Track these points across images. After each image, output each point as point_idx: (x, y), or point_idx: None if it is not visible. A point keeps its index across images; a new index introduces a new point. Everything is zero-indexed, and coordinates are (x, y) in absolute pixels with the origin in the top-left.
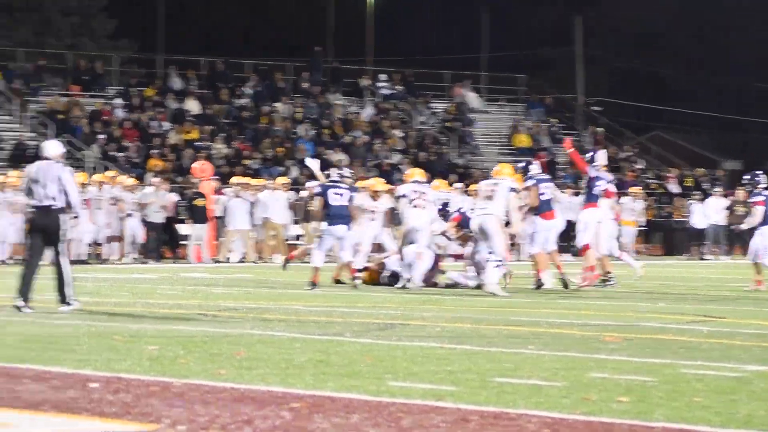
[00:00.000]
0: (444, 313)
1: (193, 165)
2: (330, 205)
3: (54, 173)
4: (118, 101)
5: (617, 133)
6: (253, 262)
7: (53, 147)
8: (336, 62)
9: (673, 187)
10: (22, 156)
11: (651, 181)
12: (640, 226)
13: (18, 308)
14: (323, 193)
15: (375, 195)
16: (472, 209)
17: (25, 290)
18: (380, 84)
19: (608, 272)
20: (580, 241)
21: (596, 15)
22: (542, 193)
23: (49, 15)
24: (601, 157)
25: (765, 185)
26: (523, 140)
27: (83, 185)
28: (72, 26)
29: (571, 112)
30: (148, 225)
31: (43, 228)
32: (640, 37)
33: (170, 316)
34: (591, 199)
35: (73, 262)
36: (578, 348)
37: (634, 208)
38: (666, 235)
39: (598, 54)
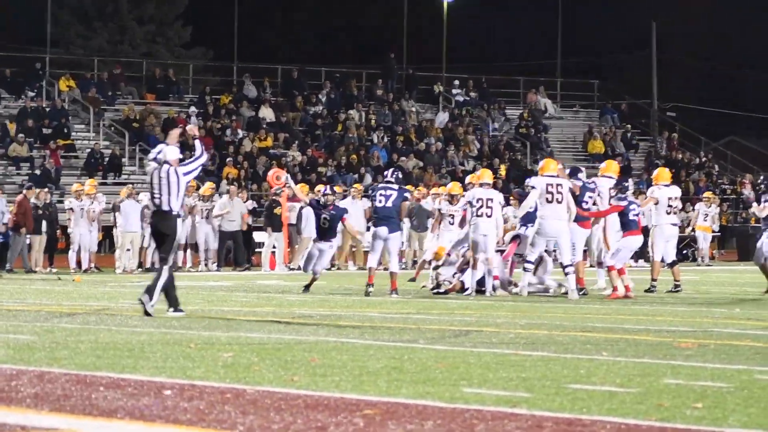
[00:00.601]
0: (518, 319)
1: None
2: (375, 206)
3: (172, 178)
4: (193, 109)
5: (692, 138)
6: (326, 269)
7: (172, 152)
8: (410, 69)
9: (748, 193)
10: (97, 165)
11: (726, 186)
12: (714, 232)
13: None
14: (372, 195)
15: (453, 199)
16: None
17: (172, 297)
18: (454, 90)
19: (677, 281)
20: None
21: (671, 19)
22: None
23: (124, 24)
24: (631, 185)
25: None
26: (597, 146)
27: None
28: (147, 35)
29: (646, 117)
30: (222, 234)
31: (159, 231)
32: (715, 41)
33: (244, 324)
34: (629, 226)
35: (147, 270)
36: (653, 354)
37: (708, 213)
38: (741, 241)
39: (672, 59)
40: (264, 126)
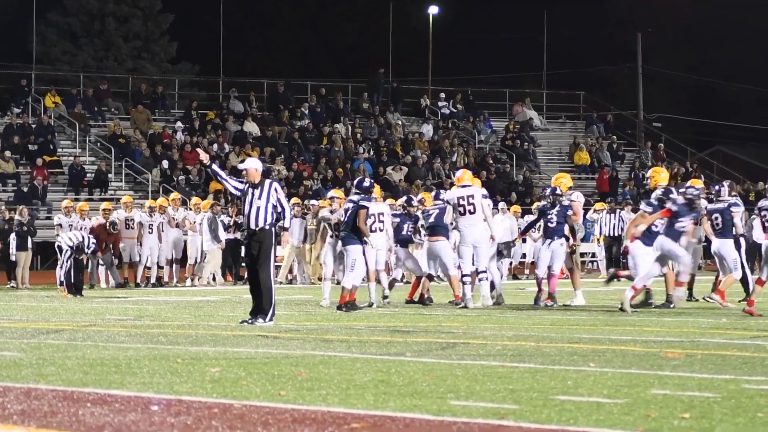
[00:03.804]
0: (505, 331)
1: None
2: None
3: (264, 190)
4: (179, 124)
5: (678, 148)
6: (312, 282)
7: (256, 164)
8: (396, 82)
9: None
10: (80, 179)
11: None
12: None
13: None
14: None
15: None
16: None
17: (266, 307)
18: (440, 103)
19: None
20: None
21: (656, 31)
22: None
23: (110, 40)
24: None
25: None
26: (583, 157)
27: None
28: (133, 51)
29: (632, 128)
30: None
31: (259, 243)
32: (699, 52)
33: (231, 338)
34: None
35: (136, 285)
36: (640, 365)
37: None
38: None
39: (658, 70)
40: (250, 140)
